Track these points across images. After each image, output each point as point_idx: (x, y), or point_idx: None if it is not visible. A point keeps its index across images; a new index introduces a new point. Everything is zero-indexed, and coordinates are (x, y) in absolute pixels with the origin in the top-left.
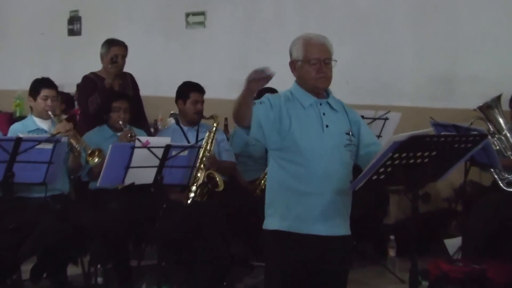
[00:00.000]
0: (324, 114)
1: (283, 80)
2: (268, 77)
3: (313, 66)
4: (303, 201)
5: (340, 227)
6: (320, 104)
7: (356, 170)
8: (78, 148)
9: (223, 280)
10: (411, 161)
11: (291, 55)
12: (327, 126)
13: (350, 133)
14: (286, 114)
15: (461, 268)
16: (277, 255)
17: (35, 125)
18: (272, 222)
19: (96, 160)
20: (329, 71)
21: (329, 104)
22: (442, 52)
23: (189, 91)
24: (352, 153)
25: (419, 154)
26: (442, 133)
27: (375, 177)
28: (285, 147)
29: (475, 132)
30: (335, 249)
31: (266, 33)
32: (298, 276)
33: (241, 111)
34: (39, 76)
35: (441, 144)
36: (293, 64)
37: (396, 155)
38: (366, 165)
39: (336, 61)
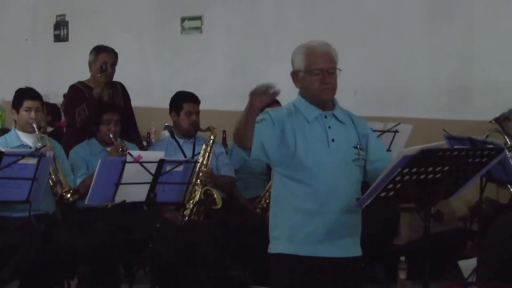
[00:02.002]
0: (329, 127)
1: (287, 91)
2: (272, 95)
3: (317, 76)
4: (310, 222)
5: (350, 248)
6: (326, 117)
7: (364, 186)
8: (53, 177)
9: None
10: (422, 176)
11: (293, 64)
12: (333, 140)
13: (358, 146)
14: (290, 129)
15: None
16: (285, 280)
17: (19, 140)
18: (277, 245)
19: (69, 197)
20: (334, 81)
21: (335, 117)
22: (457, 60)
23: (183, 101)
24: (361, 168)
25: (430, 169)
26: (456, 147)
27: (383, 194)
28: (289, 164)
29: (491, 146)
30: (345, 272)
31: (268, 39)
32: None
33: (243, 132)
34: (23, 86)
35: (454, 159)
36: (295, 75)
37: (406, 170)
38: (374, 181)
39: (341, 70)
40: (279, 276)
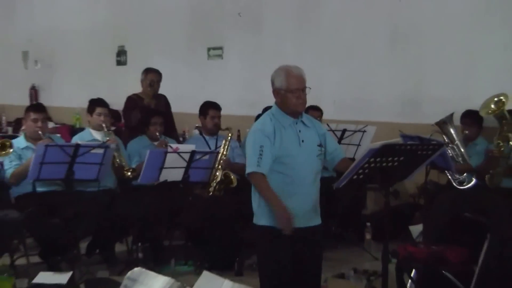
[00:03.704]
0: (300, 131)
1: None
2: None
3: (294, 94)
4: (286, 201)
5: (314, 219)
6: (296, 123)
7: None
8: (118, 161)
9: (235, 257)
10: (384, 164)
11: (273, 84)
12: (303, 141)
13: (321, 144)
14: (273, 133)
15: (423, 249)
16: (267, 245)
17: (91, 136)
18: (261, 219)
19: (130, 174)
20: (305, 97)
21: (303, 122)
22: (410, 78)
23: (208, 108)
24: (322, 161)
25: (390, 159)
26: (408, 142)
27: (355, 177)
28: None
29: (434, 142)
30: (312, 236)
31: (270, 63)
32: (284, 259)
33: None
34: (94, 97)
35: (408, 151)
36: (276, 92)
37: (372, 159)
38: (332, 166)
39: (310, 88)
40: (263, 242)
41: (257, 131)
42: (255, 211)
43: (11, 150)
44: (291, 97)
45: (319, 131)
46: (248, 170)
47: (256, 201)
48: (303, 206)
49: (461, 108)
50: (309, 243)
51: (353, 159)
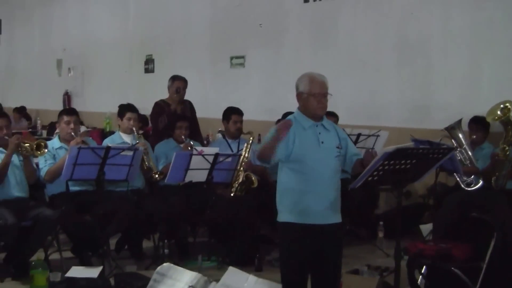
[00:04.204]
0: (320, 133)
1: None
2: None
3: (316, 98)
4: (305, 199)
5: (333, 216)
6: (316, 126)
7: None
8: (147, 164)
9: (255, 253)
10: (397, 166)
11: (297, 88)
12: (322, 142)
13: (340, 146)
14: (293, 133)
15: (432, 247)
16: (288, 240)
17: (121, 139)
18: (282, 215)
19: (157, 177)
20: (326, 102)
21: (323, 126)
22: (419, 86)
23: (231, 113)
24: (340, 162)
25: (403, 161)
26: (420, 146)
27: (370, 178)
28: (291, 159)
29: (445, 146)
30: (332, 234)
31: (288, 71)
32: (304, 255)
33: (267, 154)
34: (124, 102)
35: (419, 155)
36: (299, 96)
37: (386, 162)
38: (350, 167)
39: (331, 95)
40: (284, 238)
41: (274, 127)
42: (278, 208)
43: (46, 150)
44: (312, 100)
45: (341, 135)
46: (257, 147)
47: (279, 199)
48: (321, 204)
49: (468, 114)
50: (329, 240)
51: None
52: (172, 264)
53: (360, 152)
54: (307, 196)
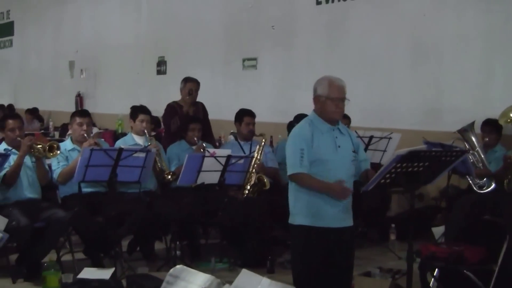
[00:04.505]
0: (336, 137)
1: (311, 107)
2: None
3: (334, 102)
4: (320, 202)
5: (346, 220)
6: (333, 130)
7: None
8: (159, 165)
9: (267, 255)
10: (410, 169)
11: (315, 91)
12: (339, 146)
13: (355, 151)
14: (311, 137)
15: (445, 249)
16: (302, 243)
17: (133, 141)
18: (296, 218)
19: (170, 178)
20: (343, 107)
21: (339, 130)
22: (431, 89)
23: (244, 115)
24: (355, 166)
25: (416, 164)
26: (433, 149)
27: (383, 180)
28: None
29: (457, 149)
30: (344, 237)
31: (300, 74)
32: (317, 257)
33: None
34: (136, 104)
35: (432, 157)
36: (316, 99)
37: (399, 164)
38: (359, 173)
39: (349, 100)
40: (297, 241)
41: (296, 136)
42: (291, 211)
43: (59, 152)
44: (330, 104)
45: (354, 139)
46: (292, 171)
47: (292, 201)
48: (335, 207)
49: (480, 116)
50: (341, 243)
51: (378, 164)
52: (185, 266)
53: (368, 160)
54: (322, 200)
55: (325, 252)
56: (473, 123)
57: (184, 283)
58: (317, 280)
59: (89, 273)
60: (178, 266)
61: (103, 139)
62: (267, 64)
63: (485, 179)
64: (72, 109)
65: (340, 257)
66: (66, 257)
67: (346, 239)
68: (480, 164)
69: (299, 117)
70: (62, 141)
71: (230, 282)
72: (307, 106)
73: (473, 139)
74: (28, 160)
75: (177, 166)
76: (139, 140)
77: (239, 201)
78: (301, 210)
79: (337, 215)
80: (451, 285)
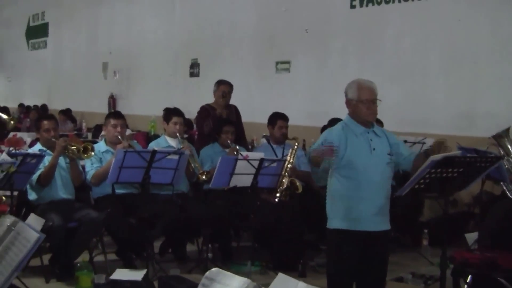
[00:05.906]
0: (371, 140)
1: (345, 111)
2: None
3: (365, 104)
4: (356, 206)
5: (383, 224)
6: (368, 133)
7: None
8: (193, 166)
9: (299, 258)
10: (444, 175)
11: (346, 95)
12: (374, 149)
13: (391, 153)
14: (344, 139)
15: (478, 255)
16: (339, 247)
17: (167, 143)
18: (333, 222)
19: (204, 177)
20: (376, 108)
21: (375, 132)
22: (465, 93)
23: (277, 119)
24: (391, 169)
25: (450, 170)
26: (468, 155)
27: (417, 186)
28: (342, 165)
29: (492, 155)
30: (380, 241)
31: (334, 77)
32: (353, 261)
33: (318, 161)
34: (168, 106)
35: (466, 163)
36: (348, 103)
37: (433, 170)
38: (410, 167)
39: (380, 100)
40: (333, 244)
41: (326, 131)
42: (328, 215)
43: (93, 153)
44: (362, 107)
45: (391, 141)
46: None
47: (329, 205)
48: (371, 211)
49: None
50: (377, 246)
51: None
52: (220, 269)
53: (414, 153)
54: (358, 203)
55: (361, 256)
56: (508, 129)
57: (220, 285)
58: (351, 285)
59: (121, 274)
60: (214, 269)
61: (135, 141)
62: (300, 68)
63: None
64: (105, 110)
65: (375, 261)
66: (99, 258)
67: (382, 242)
68: None
69: (333, 121)
70: (95, 142)
71: (263, 285)
72: (341, 110)
73: (508, 145)
74: (62, 161)
75: (210, 168)
76: (172, 142)
77: (271, 204)
78: (338, 213)
79: (374, 219)
80: None
